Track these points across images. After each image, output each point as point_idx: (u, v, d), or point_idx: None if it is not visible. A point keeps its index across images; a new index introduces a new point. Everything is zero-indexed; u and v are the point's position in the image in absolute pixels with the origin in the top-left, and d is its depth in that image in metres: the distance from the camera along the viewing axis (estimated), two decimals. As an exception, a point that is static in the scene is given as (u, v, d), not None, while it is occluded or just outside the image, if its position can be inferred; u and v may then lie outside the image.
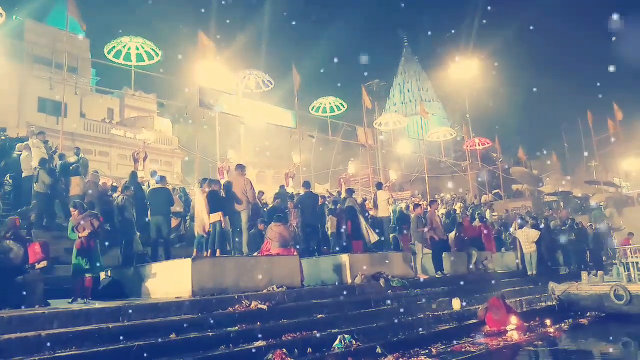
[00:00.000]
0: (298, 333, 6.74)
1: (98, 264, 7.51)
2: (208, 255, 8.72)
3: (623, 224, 20.17)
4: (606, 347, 8.71)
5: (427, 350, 7.25)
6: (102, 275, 8.19)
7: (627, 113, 32.70)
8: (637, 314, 9.72)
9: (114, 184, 14.10)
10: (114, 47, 16.67)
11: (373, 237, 11.45)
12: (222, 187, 9.73)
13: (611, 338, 9.24)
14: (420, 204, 13.52)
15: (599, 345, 8.78)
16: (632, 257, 10.58)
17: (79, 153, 13.92)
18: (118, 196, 10.15)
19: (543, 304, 11.25)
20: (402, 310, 8.72)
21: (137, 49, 16.98)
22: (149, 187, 11.08)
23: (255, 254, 9.60)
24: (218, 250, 8.85)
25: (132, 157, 15.05)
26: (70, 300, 7.02)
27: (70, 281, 7.32)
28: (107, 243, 9.04)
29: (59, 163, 12.02)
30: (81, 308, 6.27)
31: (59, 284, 7.69)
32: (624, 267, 10.86)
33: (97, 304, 6.65)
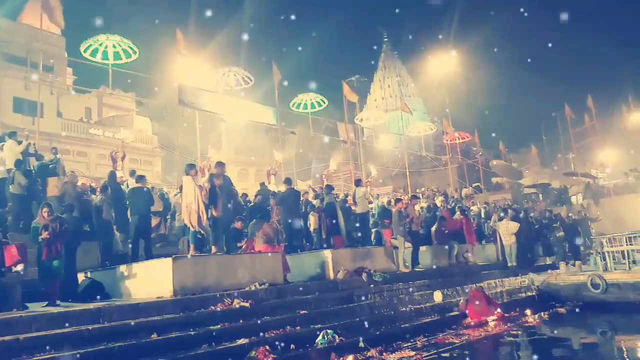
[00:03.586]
0: (281, 330, 6.74)
1: (65, 268, 7.37)
2: (215, 251, 8.69)
3: (600, 214, 20.53)
4: (584, 334, 8.94)
5: (409, 343, 7.32)
6: (82, 276, 8.09)
7: (603, 106, 33.36)
8: (613, 302, 9.94)
9: (93, 185, 13.92)
10: (90, 45, 16.40)
11: (344, 236, 11.51)
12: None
13: (588, 326, 9.48)
14: (402, 199, 13.61)
15: (576, 333, 8.98)
16: (608, 247, 10.80)
17: (57, 153, 13.70)
18: (97, 197, 10.02)
19: (523, 294, 11.43)
20: (384, 304, 8.78)
21: (114, 47, 16.73)
22: (128, 187, 10.96)
23: (239, 252, 9.58)
24: (214, 247, 8.83)
25: (110, 157, 14.86)
26: (45, 304, 6.88)
27: (46, 284, 7.20)
28: (85, 244, 8.91)
29: (36, 164, 11.81)
30: (60, 311, 6.19)
31: (37, 287, 7.56)
32: (600, 257, 11.08)
33: (77, 306, 6.56)
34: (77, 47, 16.93)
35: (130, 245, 9.56)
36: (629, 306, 9.63)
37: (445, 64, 38.57)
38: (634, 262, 10.36)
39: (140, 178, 10.16)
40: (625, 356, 7.15)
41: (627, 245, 10.57)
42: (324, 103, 23.59)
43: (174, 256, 7.69)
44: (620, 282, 9.91)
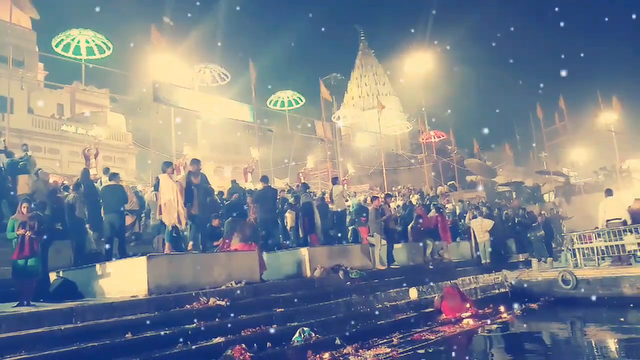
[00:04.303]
0: (257, 328, 6.72)
1: (42, 266, 7.23)
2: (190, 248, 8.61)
3: (570, 212, 21.04)
4: (554, 329, 9.16)
5: (386, 340, 7.37)
6: (54, 276, 7.93)
7: (574, 106, 34.11)
8: (583, 298, 10.19)
9: (65, 182, 13.65)
10: (62, 40, 16.10)
11: (319, 235, 11.53)
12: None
13: (559, 320, 9.73)
14: (378, 197, 13.71)
15: (548, 328, 9.20)
16: (578, 243, 11.06)
17: (28, 150, 13.39)
18: (69, 194, 9.83)
19: (497, 291, 11.62)
20: (361, 301, 8.84)
21: (87, 42, 16.46)
22: (101, 184, 10.79)
23: (215, 250, 9.53)
24: (191, 244, 8.75)
25: (82, 155, 14.57)
26: (15, 304, 6.72)
27: (20, 284, 7.03)
28: (57, 242, 8.75)
29: (6, 161, 11.52)
30: (31, 311, 6.06)
31: (7, 287, 7.39)
32: (571, 253, 11.34)
33: (49, 306, 6.43)
34: (49, 41, 16.61)
35: (103, 244, 9.42)
36: (597, 301, 9.89)
37: (421, 63, 38.96)
38: (603, 258, 10.64)
39: (114, 176, 10.00)
40: (593, 348, 7.35)
41: (596, 242, 10.83)
42: (302, 101, 23.61)
43: (148, 254, 7.60)
44: (590, 278, 10.17)
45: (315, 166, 32.67)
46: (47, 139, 28.35)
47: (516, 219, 17.23)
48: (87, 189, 10.02)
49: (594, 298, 9.97)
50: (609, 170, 30.13)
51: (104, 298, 7.48)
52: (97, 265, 8.07)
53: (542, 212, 20.08)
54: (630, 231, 10.18)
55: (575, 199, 26.52)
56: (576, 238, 11.19)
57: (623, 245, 10.28)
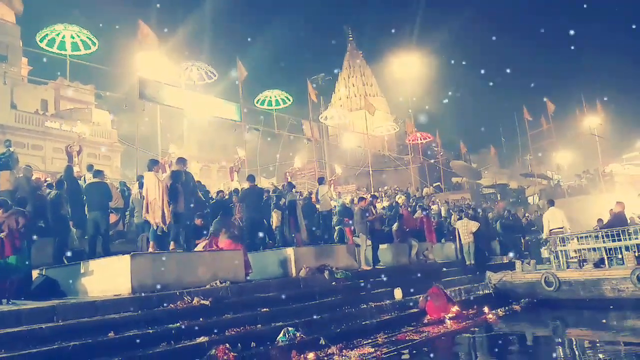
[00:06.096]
0: (242, 328, 6.70)
1: (27, 263, 7.13)
2: (174, 248, 8.55)
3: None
4: (537, 330, 9.27)
5: (370, 340, 7.39)
6: (35, 274, 7.82)
7: (559, 109, 34.50)
8: (565, 299, 10.30)
9: (49, 179, 13.46)
10: (46, 35, 15.85)
11: (304, 234, 11.53)
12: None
13: (542, 322, 9.83)
14: (365, 197, 13.73)
15: (530, 329, 9.31)
16: (561, 246, 11.18)
17: (10, 146, 13.18)
18: (51, 192, 9.69)
19: (481, 292, 11.71)
20: (346, 301, 8.84)
21: (73, 37, 16.22)
22: (85, 181, 10.65)
23: (200, 247, 9.47)
24: (173, 244, 8.69)
25: (65, 152, 14.39)
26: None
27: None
28: (40, 240, 8.63)
29: (-13, 157, 11.32)
30: (11, 309, 5.97)
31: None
32: (554, 255, 11.46)
33: (30, 304, 6.34)
34: (33, 36, 16.35)
35: (87, 242, 9.31)
36: (579, 303, 10.01)
37: (408, 65, 39.15)
38: (585, 260, 10.75)
39: (98, 173, 9.88)
40: (574, 348, 7.44)
41: (579, 244, 10.96)
42: (289, 100, 23.55)
43: (132, 253, 7.53)
44: (572, 280, 10.28)
45: (302, 166, 32.64)
46: (31, 135, 27.98)
47: (502, 220, 17.39)
48: (71, 186, 9.89)
49: (575, 299, 10.10)
50: (591, 174, 30.52)
51: (87, 297, 7.39)
52: (80, 264, 7.97)
53: (526, 215, 20.33)
54: (615, 234, 10.28)
55: (560, 201, 26.78)
56: (559, 240, 11.31)
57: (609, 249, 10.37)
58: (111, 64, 23.23)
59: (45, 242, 9.06)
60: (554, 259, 11.40)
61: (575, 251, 10.99)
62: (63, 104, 32.92)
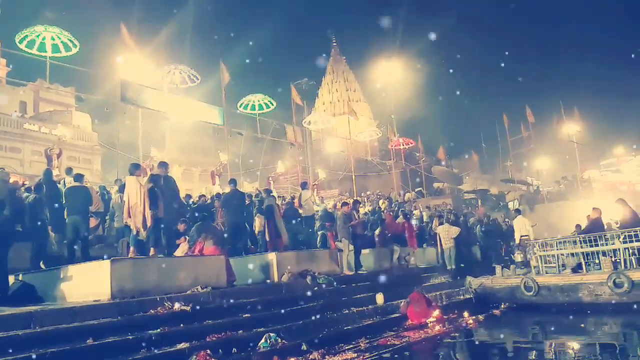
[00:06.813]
0: (223, 333, 6.65)
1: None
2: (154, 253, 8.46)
3: (533, 220, 21.54)
4: (516, 334, 9.41)
5: (352, 345, 7.40)
6: (12, 279, 7.67)
7: (538, 116, 35.06)
8: (544, 304, 10.45)
9: (27, 183, 13.22)
10: (26, 36, 15.63)
11: (285, 238, 11.52)
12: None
13: (521, 326, 9.97)
14: (348, 203, 13.78)
15: (509, 333, 9.44)
16: (540, 251, 11.34)
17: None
18: (29, 195, 9.53)
19: (461, 297, 11.80)
20: (328, 306, 8.83)
21: (53, 39, 16.03)
22: (64, 185, 10.51)
23: (180, 251, 9.40)
24: (153, 249, 8.60)
25: (45, 155, 14.15)
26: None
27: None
28: (17, 245, 8.46)
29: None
30: (-14, 315, 5.85)
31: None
32: (533, 260, 11.62)
33: (6, 310, 6.21)
34: (12, 37, 16.11)
35: (66, 247, 9.17)
36: (558, 307, 10.16)
37: (391, 71, 39.44)
38: (563, 265, 10.92)
39: (79, 177, 9.77)
40: (552, 352, 7.55)
41: (557, 249, 11.12)
42: (272, 105, 23.54)
43: (112, 258, 7.44)
44: (551, 285, 10.43)
45: (285, 170, 32.61)
46: (8, 137, 27.51)
47: (481, 226, 17.57)
48: (50, 189, 9.74)
49: (554, 304, 10.26)
50: (569, 180, 31.04)
51: (65, 302, 7.27)
52: (59, 269, 7.85)
53: (506, 220, 20.57)
54: (593, 239, 10.47)
55: (539, 207, 27.21)
56: (538, 245, 11.47)
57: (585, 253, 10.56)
58: (92, 66, 22.96)
59: (23, 247, 8.89)
60: (535, 263, 11.57)
61: (553, 256, 11.16)
62: (42, 106, 32.48)
